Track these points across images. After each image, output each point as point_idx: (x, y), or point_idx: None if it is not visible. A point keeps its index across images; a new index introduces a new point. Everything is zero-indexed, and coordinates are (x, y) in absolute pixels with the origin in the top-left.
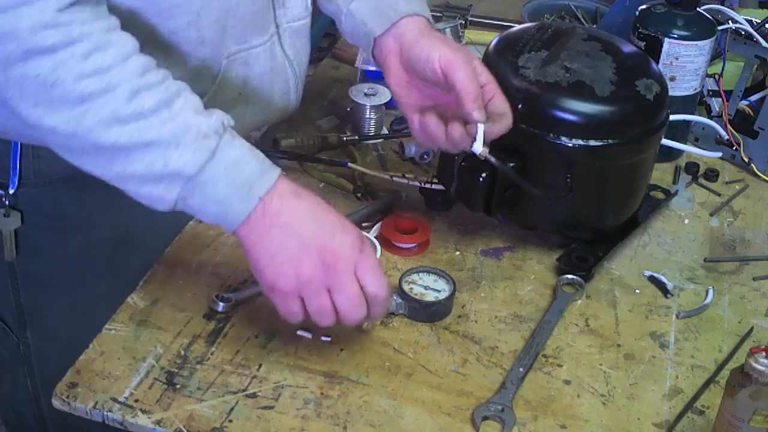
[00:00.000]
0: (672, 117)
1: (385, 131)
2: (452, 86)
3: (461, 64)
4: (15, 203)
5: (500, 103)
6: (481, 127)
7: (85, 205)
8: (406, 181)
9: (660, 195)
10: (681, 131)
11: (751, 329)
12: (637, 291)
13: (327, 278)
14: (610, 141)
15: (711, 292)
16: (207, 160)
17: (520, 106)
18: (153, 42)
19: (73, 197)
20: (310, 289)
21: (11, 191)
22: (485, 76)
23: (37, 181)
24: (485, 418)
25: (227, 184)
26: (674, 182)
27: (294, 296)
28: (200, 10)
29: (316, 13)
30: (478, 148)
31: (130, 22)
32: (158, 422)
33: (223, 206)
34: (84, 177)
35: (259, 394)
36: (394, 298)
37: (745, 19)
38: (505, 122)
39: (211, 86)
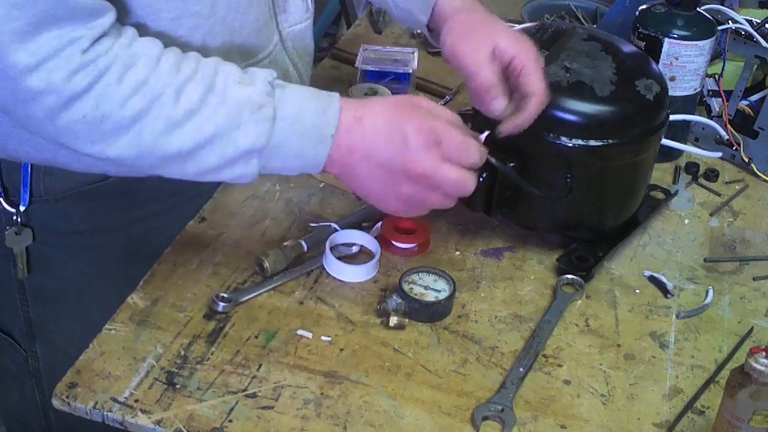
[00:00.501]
0: (672, 117)
1: None
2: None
3: (466, 56)
4: (26, 220)
5: (527, 79)
6: (485, 133)
7: (97, 220)
8: None
9: (660, 195)
10: (681, 131)
11: (751, 329)
12: (637, 291)
13: (427, 184)
14: (610, 141)
15: (711, 292)
16: (271, 127)
17: None
18: None
19: (84, 213)
20: (419, 198)
21: (22, 209)
22: (511, 50)
23: (48, 197)
24: (485, 418)
25: (299, 138)
26: (674, 182)
27: (411, 208)
28: (205, 37)
29: (316, 12)
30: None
31: None
32: (158, 422)
33: (302, 158)
34: (95, 192)
35: (259, 394)
36: (394, 297)
37: (745, 19)
38: (533, 103)
39: None
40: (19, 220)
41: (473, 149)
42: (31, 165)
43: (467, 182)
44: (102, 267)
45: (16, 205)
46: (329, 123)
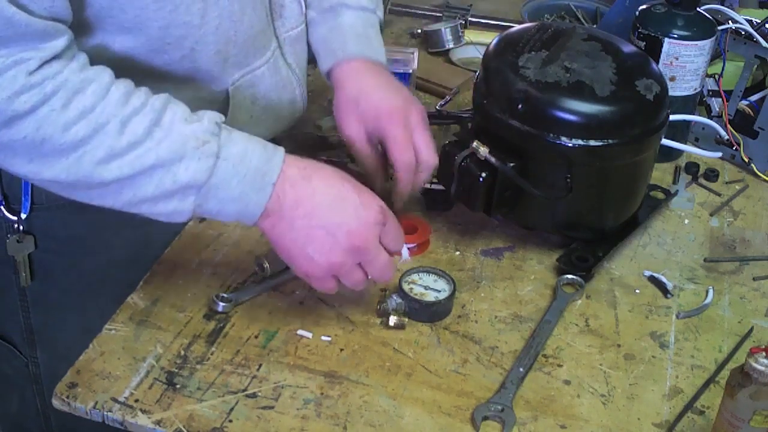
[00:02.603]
0: (672, 117)
1: None
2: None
3: (356, 140)
4: (28, 228)
5: (390, 152)
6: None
7: (99, 226)
8: None
9: (660, 195)
10: (681, 131)
11: (751, 329)
12: (637, 291)
13: (358, 257)
14: (610, 141)
15: (711, 292)
16: (213, 164)
17: (520, 106)
18: (149, 75)
19: (86, 220)
20: (343, 270)
21: (23, 216)
22: (384, 130)
23: (49, 204)
24: (485, 418)
25: (240, 180)
26: (674, 182)
27: (328, 278)
28: (195, 45)
29: None
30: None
31: (124, 60)
32: (158, 422)
33: (240, 202)
34: None
35: (259, 394)
36: (394, 297)
37: (745, 19)
38: (401, 174)
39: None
40: (20, 227)
41: (401, 239)
42: None
43: (390, 271)
44: (103, 273)
45: (17, 213)
46: (272, 170)
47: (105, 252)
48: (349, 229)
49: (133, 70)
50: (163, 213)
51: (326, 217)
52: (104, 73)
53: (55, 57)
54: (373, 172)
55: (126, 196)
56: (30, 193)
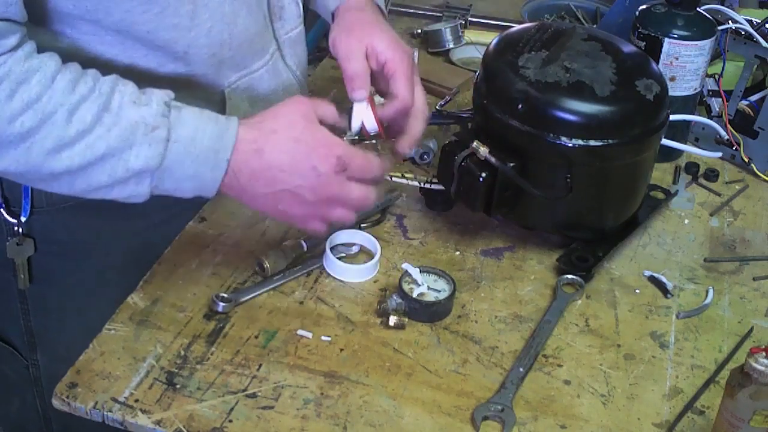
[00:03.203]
0: (672, 117)
1: None
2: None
3: (341, 48)
4: (28, 231)
5: (394, 84)
6: (359, 106)
7: (99, 230)
8: (405, 181)
9: (660, 195)
10: (681, 131)
11: (751, 329)
12: (637, 291)
13: (331, 200)
14: (610, 141)
15: (711, 292)
16: (165, 149)
17: (520, 106)
18: (143, 76)
19: (86, 223)
20: (322, 212)
21: (23, 219)
22: (386, 54)
23: (49, 207)
24: (485, 418)
25: (193, 160)
26: (674, 182)
27: (311, 220)
28: (187, 49)
29: (314, 14)
30: (355, 125)
31: (115, 62)
32: (158, 422)
33: (196, 179)
34: (96, 203)
35: (259, 394)
36: (394, 297)
37: (745, 19)
38: (396, 104)
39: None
40: (20, 230)
41: (374, 164)
42: None
43: (369, 198)
44: (102, 276)
45: (17, 216)
46: (225, 147)
47: (104, 255)
48: (310, 186)
49: (125, 71)
50: (119, 197)
51: (286, 182)
52: (50, 61)
53: (3, 54)
54: (360, 76)
55: (80, 185)
56: (30, 196)
